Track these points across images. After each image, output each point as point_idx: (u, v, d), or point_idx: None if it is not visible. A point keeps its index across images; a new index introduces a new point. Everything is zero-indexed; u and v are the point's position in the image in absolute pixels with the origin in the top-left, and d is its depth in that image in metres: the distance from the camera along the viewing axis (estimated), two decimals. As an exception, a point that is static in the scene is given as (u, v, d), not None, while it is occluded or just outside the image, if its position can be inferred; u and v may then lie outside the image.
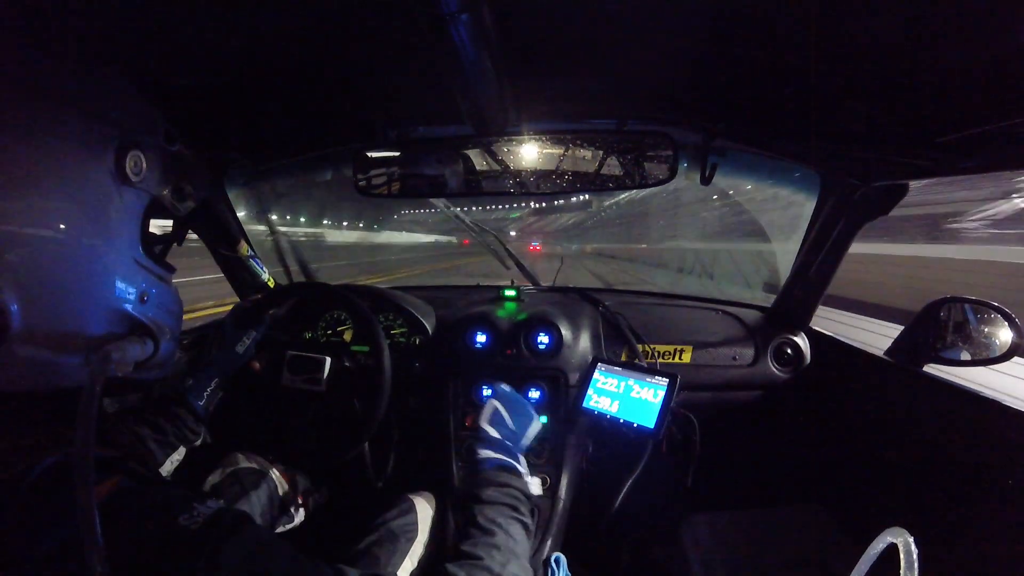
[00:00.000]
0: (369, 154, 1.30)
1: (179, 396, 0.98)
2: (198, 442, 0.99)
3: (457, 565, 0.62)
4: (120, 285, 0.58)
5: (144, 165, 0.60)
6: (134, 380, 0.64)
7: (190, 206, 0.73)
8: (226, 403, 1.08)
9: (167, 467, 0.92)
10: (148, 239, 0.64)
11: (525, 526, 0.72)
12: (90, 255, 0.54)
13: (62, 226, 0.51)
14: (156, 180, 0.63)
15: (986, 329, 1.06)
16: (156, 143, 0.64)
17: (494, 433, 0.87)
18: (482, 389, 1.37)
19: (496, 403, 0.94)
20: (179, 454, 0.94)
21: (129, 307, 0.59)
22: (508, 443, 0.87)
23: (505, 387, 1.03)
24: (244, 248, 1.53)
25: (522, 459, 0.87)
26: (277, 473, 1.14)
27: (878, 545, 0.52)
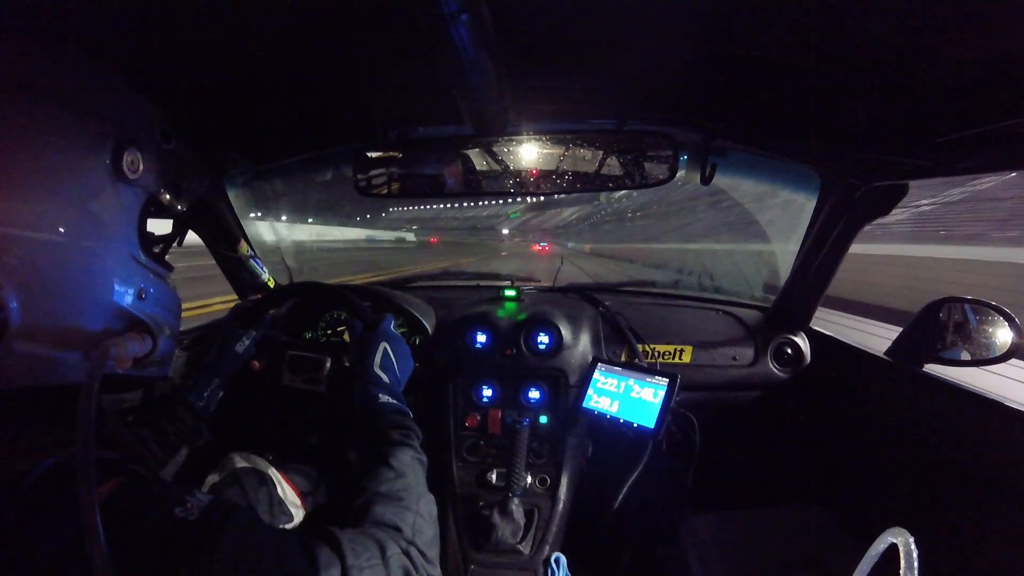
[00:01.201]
0: (369, 154, 1.30)
1: (179, 396, 0.98)
2: (200, 442, 0.99)
3: (384, 507, 0.66)
4: (118, 282, 0.58)
5: (141, 163, 0.60)
6: (134, 377, 0.64)
7: (187, 204, 0.73)
8: (227, 403, 1.08)
9: (170, 468, 0.92)
10: (146, 237, 0.64)
11: (423, 464, 0.78)
12: (88, 252, 0.55)
13: (60, 223, 0.52)
14: (153, 178, 0.63)
15: (986, 329, 1.06)
16: (153, 141, 0.64)
17: (385, 378, 0.90)
18: (482, 389, 1.37)
19: (386, 346, 0.94)
20: (181, 454, 0.94)
21: (127, 304, 0.59)
22: (396, 387, 0.91)
23: (391, 328, 1.00)
24: (244, 248, 1.53)
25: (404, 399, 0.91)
26: (277, 473, 1.14)
27: (879, 545, 0.52)
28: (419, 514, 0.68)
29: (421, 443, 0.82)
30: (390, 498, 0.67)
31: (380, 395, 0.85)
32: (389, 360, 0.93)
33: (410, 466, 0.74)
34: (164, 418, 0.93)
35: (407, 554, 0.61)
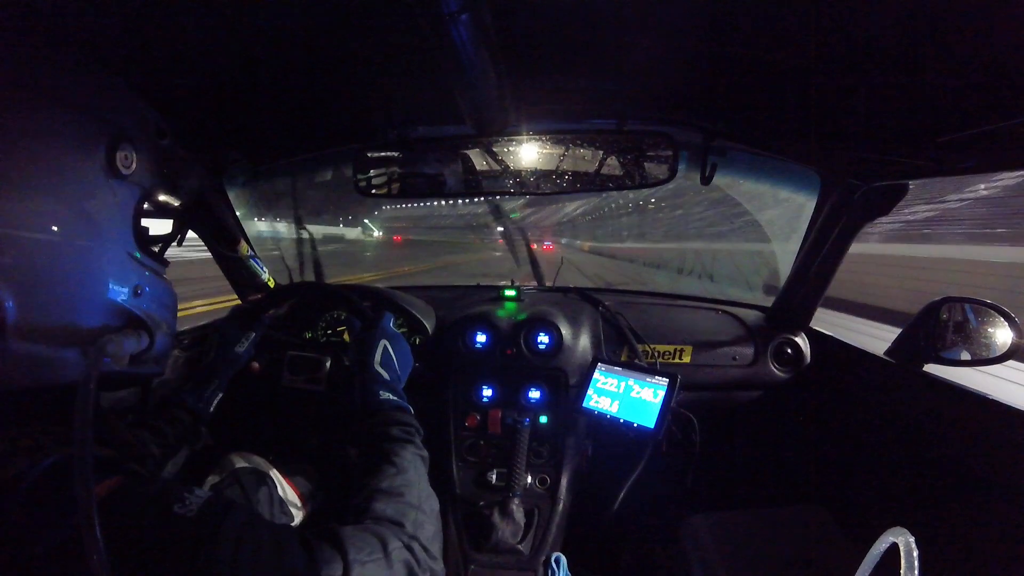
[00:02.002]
0: (369, 154, 1.30)
1: (178, 398, 0.98)
2: (199, 444, 0.99)
3: (385, 503, 0.66)
4: (114, 279, 0.58)
5: (135, 159, 0.60)
6: (131, 375, 0.65)
7: (182, 200, 0.74)
8: (227, 404, 1.08)
9: (169, 469, 0.92)
10: (142, 234, 0.64)
11: (425, 460, 0.78)
12: (84, 249, 0.55)
13: (55, 221, 0.52)
14: (147, 174, 0.63)
15: (986, 329, 1.05)
16: (146, 137, 0.64)
17: (385, 375, 0.90)
18: (482, 389, 1.37)
19: (386, 343, 0.94)
20: (180, 456, 0.94)
21: (123, 301, 0.59)
22: (396, 384, 0.91)
23: (391, 326, 0.99)
24: (244, 248, 1.53)
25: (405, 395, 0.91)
26: (277, 473, 1.14)
27: (881, 545, 0.52)
28: (421, 509, 0.68)
29: (422, 439, 0.82)
30: (391, 494, 0.67)
31: (380, 392, 0.85)
32: (389, 357, 0.92)
33: (411, 462, 0.74)
34: (163, 420, 0.93)
35: (409, 548, 0.61)
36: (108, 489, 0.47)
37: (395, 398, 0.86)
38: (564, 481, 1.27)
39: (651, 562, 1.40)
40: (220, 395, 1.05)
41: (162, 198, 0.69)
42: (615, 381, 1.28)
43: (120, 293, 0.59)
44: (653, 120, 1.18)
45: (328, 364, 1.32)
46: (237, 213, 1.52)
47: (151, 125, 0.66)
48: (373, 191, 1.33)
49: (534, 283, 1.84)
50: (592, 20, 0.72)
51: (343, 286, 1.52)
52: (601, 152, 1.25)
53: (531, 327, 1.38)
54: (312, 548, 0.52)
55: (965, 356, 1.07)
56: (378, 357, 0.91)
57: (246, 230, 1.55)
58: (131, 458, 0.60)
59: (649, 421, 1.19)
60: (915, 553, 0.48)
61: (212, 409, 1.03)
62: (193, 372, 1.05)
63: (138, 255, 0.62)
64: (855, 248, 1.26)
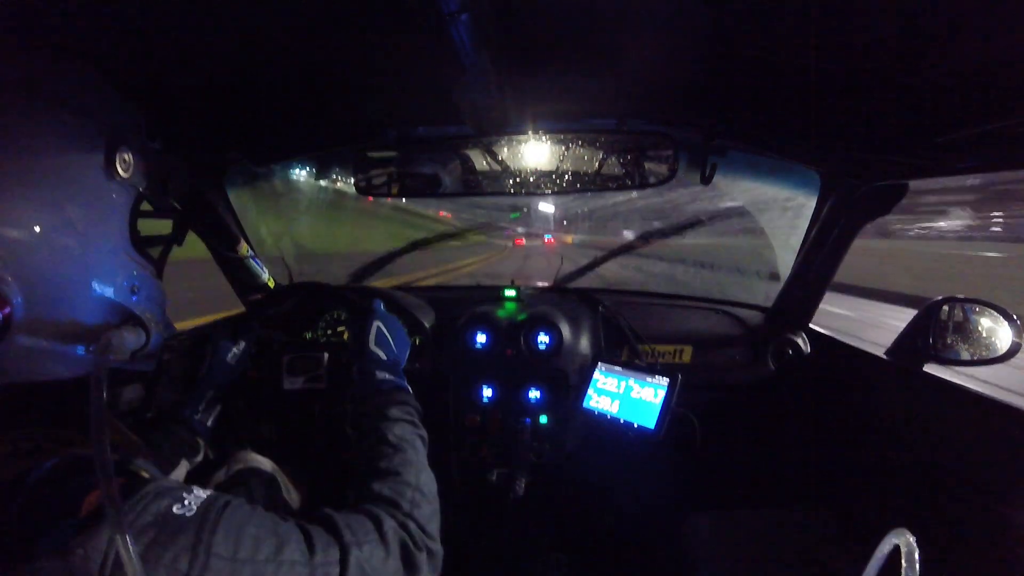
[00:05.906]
0: (369, 154, 1.30)
1: (174, 411, 0.97)
2: (198, 456, 0.98)
3: (381, 482, 0.66)
4: (114, 277, 0.61)
5: (131, 161, 0.63)
6: (130, 371, 0.66)
7: (173, 201, 0.77)
8: (230, 412, 1.07)
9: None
10: (136, 233, 0.66)
11: (424, 439, 0.78)
12: (87, 248, 0.57)
13: (61, 221, 0.54)
14: (142, 175, 0.66)
15: (986, 329, 1.05)
16: (140, 140, 0.66)
17: (382, 355, 0.89)
18: (482, 389, 1.37)
19: (380, 324, 0.93)
20: (180, 471, 0.94)
21: (122, 298, 0.62)
22: (393, 365, 0.90)
23: (382, 308, 0.99)
24: (244, 248, 1.53)
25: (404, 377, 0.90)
26: (282, 474, 1.14)
27: (885, 547, 0.52)
28: (418, 489, 0.68)
29: (420, 418, 0.82)
30: (388, 473, 0.68)
31: (377, 373, 0.85)
32: (384, 337, 0.92)
33: (409, 442, 0.74)
34: (159, 434, 0.92)
35: (404, 527, 0.61)
36: None
37: (392, 378, 0.85)
38: (564, 481, 1.27)
39: (652, 562, 1.40)
40: (219, 406, 1.04)
41: (154, 199, 0.71)
42: (615, 381, 1.28)
43: (119, 291, 0.61)
44: (653, 120, 1.18)
45: (326, 359, 1.32)
46: (237, 213, 1.52)
47: (143, 127, 0.68)
48: (373, 191, 1.34)
49: (533, 283, 1.84)
50: (592, 20, 0.72)
51: (343, 286, 1.52)
52: (601, 152, 1.25)
53: (531, 327, 1.38)
54: (311, 538, 0.53)
55: (965, 356, 1.07)
56: (372, 338, 0.90)
57: (246, 230, 1.55)
58: (131, 459, 0.60)
59: (649, 421, 1.19)
60: (916, 553, 0.48)
61: (211, 421, 1.03)
62: (188, 384, 1.05)
63: (134, 254, 0.64)
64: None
